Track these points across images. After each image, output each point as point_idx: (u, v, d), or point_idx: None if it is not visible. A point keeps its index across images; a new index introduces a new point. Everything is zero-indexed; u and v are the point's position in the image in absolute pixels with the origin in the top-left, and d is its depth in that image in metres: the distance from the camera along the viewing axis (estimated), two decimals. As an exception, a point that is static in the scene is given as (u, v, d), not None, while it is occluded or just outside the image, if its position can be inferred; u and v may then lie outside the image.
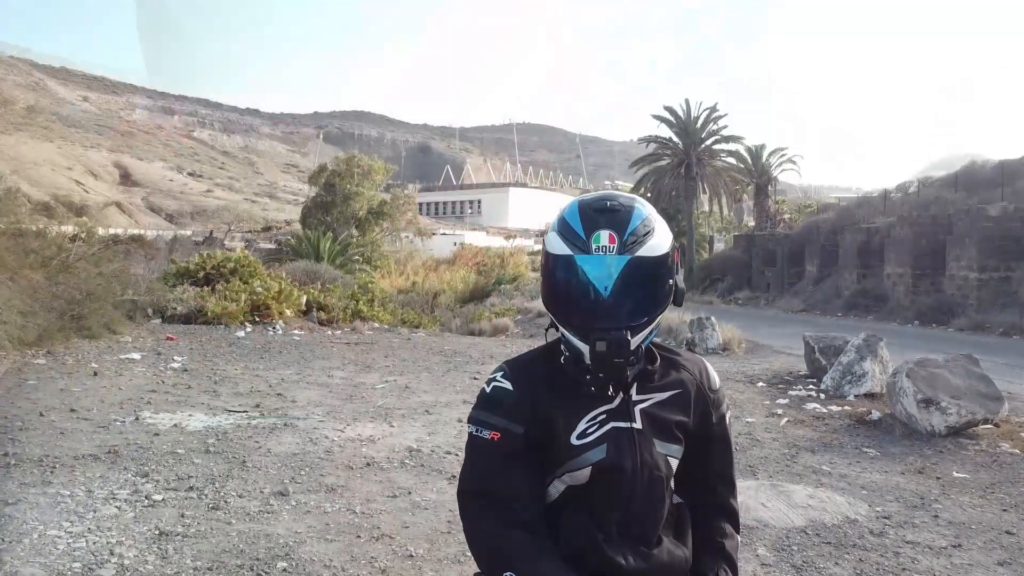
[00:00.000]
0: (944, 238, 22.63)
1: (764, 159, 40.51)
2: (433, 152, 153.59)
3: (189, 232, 45.73)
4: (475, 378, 10.08)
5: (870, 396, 9.18)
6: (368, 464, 5.79)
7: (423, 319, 18.43)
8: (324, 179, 36.92)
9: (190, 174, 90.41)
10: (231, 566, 3.81)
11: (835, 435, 7.48)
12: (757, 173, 40.12)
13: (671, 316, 18.04)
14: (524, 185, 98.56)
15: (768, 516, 4.94)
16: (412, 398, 8.55)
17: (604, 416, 1.52)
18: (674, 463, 1.58)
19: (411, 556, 4.10)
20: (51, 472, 5.06)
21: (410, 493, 5.15)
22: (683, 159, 37.12)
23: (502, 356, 12.90)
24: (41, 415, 6.53)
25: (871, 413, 8.20)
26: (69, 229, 15.56)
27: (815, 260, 30.24)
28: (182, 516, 4.41)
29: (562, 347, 1.56)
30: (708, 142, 37.69)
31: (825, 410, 8.60)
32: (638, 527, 1.53)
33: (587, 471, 1.50)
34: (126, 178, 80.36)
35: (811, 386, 10.06)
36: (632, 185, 48.16)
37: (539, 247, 65.52)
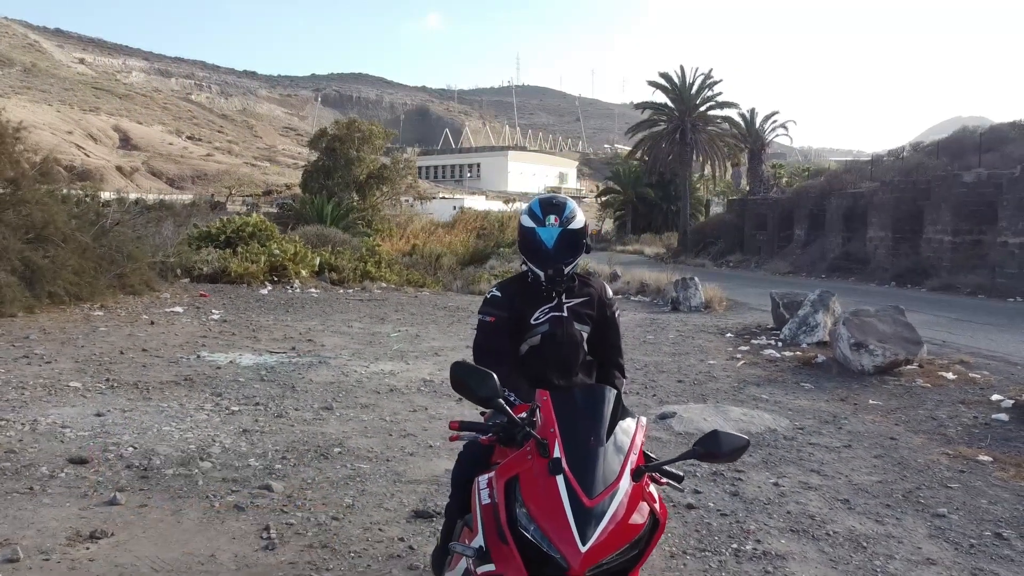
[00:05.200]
0: (922, 203, 23.83)
1: (757, 124, 41.45)
2: (431, 115, 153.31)
3: (190, 196, 46.75)
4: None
5: (822, 344, 10.54)
6: (392, 390, 7.18)
7: (427, 280, 19.75)
8: (324, 144, 37.71)
9: (189, 138, 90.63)
10: (301, 450, 5.20)
11: (781, 374, 8.87)
12: (751, 138, 41.12)
13: (660, 277, 19.39)
14: (523, 148, 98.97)
15: (706, 426, 6.31)
16: (423, 344, 9.92)
17: (548, 310, 2.89)
18: (585, 334, 2.95)
19: (431, 447, 5.49)
20: (147, 392, 6.45)
21: (427, 409, 6.54)
22: (678, 125, 38.02)
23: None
24: (121, 353, 7.92)
25: (817, 357, 9.57)
26: (106, 195, 16.73)
27: (804, 224, 31.40)
28: (256, 420, 5.81)
29: (529, 274, 2.91)
30: (703, 108, 38.56)
31: (779, 355, 9.97)
32: (565, 367, 2.91)
33: (538, 338, 2.87)
34: (126, 142, 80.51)
35: (773, 337, 11.43)
36: (628, 150, 49.14)
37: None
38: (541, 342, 2.85)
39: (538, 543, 1.95)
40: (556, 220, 2.78)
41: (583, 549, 1.89)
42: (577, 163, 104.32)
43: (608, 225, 55.99)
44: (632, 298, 18.47)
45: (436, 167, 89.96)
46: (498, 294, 2.90)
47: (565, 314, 2.87)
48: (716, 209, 47.19)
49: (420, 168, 66.12)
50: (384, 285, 17.61)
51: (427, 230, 38.88)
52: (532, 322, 2.85)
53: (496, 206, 56.65)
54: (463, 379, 2.25)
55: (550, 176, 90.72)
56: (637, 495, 2.02)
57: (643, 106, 40.03)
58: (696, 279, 16.89)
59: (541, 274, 2.81)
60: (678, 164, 39.09)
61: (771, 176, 42.66)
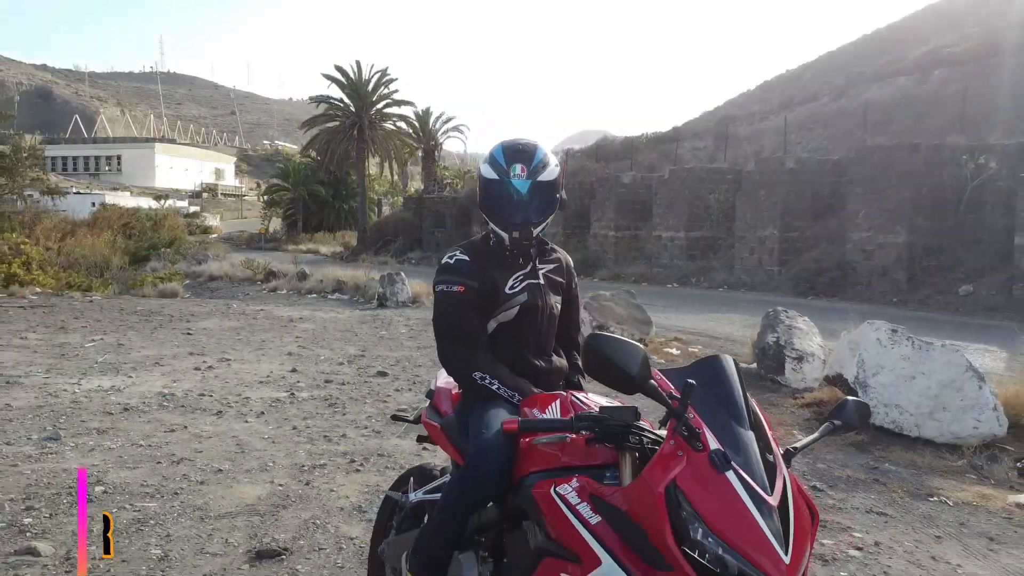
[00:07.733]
0: (588, 202, 26.28)
1: (431, 125, 42.51)
2: (56, 99, 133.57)
3: None
4: (189, 334, 9.92)
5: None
6: (126, 409, 5.79)
7: (93, 282, 16.88)
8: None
9: None
10: (47, 495, 3.87)
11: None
12: (425, 138, 42.03)
13: (356, 274, 18.87)
14: (172, 141, 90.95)
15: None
16: (132, 353, 8.29)
17: (522, 276, 2.40)
18: (558, 307, 2.50)
19: (220, 470, 4.45)
20: None
21: (186, 427, 5.36)
22: (355, 121, 37.47)
23: (202, 315, 12.67)
24: None
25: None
26: None
27: (480, 221, 32.85)
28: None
29: (491, 235, 2.41)
30: (380, 105, 38.46)
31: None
32: (543, 345, 2.45)
33: (515, 310, 2.36)
34: None
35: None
36: (290, 146, 47.26)
37: (195, 209, 59.33)
38: (517, 316, 2.36)
39: (725, 562, 1.48)
40: (523, 170, 2.32)
41: (787, 561, 1.47)
42: (235, 159, 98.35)
43: (276, 224, 53.42)
44: (330, 296, 17.75)
45: (66, 158, 78.87)
46: (465, 258, 2.37)
47: (542, 281, 2.43)
48: (386, 209, 47.45)
49: (46, 158, 57.07)
50: (39, 290, 14.64)
51: (61, 229, 33.43)
52: (507, 291, 2.35)
53: (145, 203, 51.21)
54: (609, 355, 1.65)
55: (205, 171, 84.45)
56: (795, 485, 1.63)
57: (319, 99, 38.74)
58: (403, 274, 16.64)
59: (505, 236, 2.35)
60: (355, 162, 38.59)
61: (441, 177, 44.05)
